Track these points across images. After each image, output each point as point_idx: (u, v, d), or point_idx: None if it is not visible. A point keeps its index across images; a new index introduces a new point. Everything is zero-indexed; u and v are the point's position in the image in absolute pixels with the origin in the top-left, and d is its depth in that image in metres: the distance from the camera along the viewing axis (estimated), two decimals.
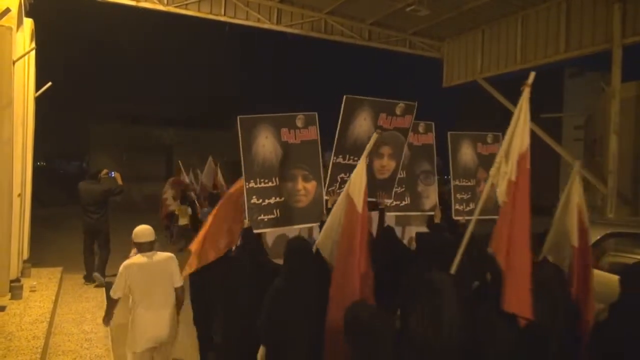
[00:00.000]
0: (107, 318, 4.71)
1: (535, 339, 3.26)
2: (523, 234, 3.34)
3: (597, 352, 3.15)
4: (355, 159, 4.64)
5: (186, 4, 9.77)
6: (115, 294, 4.40)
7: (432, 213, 5.64)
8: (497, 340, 3.23)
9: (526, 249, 3.32)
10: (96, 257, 8.42)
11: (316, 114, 4.84)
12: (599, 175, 9.29)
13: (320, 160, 4.87)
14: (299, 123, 4.77)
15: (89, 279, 8.37)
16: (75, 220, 8.99)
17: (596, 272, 5.61)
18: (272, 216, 4.67)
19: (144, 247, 4.45)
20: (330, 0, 10.40)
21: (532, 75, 3.72)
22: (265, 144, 4.64)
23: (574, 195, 4.07)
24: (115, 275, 4.54)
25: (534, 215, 3.39)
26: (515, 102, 11.24)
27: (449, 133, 6.00)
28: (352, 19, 11.37)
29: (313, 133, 4.81)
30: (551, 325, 3.37)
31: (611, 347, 2.99)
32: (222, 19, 10.17)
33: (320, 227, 4.40)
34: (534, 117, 12.43)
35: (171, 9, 9.66)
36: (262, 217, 4.62)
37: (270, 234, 5.06)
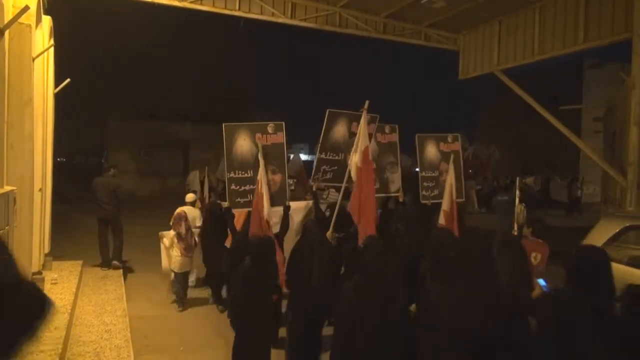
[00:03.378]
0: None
1: None
2: (368, 199, 5.34)
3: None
4: (334, 154, 6.34)
5: (201, 0, 9.82)
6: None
7: (397, 194, 7.05)
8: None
9: (371, 208, 5.39)
10: (111, 246, 9.06)
11: (283, 123, 6.17)
12: (618, 168, 9.13)
13: (285, 158, 6.17)
14: (269, 130, 6.13)
15: (104, 265, 8.93)
16: (95, 215, 9.27)
17: (616, 265, 5.58)
18: (247, 199, 6.00)
19: (187, 204, 7.70)
20: None
21: (367, 102, 5.74)
22: (243, 145, 6.04)
23: (450, 176, 6.44)
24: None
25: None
26: (532, 94, 11.09)
27: (416, 135, 7.38)
28: (366, 12, 11.30)
29: (280, 137, 6.15)
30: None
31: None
32: (237, 13, 10.20)
33: (284, 210, 5.92)
34: (553, 109, 12.24)
35: (186, 4, 9.72)
36: (239, 199, 6.01)
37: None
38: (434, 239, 3.90)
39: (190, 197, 8.00)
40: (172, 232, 7.33)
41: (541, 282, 4.07)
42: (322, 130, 6.27)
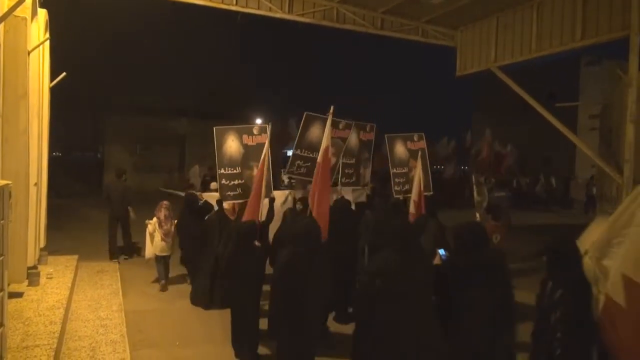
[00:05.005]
0: None
1: None
2: (324, 191, 5.73)
3: None
4: (308, 152, 7.01)
5: None
6: None
7: (365, 187, 8.35)
8: None
9: (324, 201, 5.72)
10: (123, 241, 10.06)
11: (267, 125, 7.11)
12: (614, 165, 9.15)
13: (269, 155, 6.63)
14: (255, 131, 7.07)
15: (113, 257, 9.66)
16: (90, 210, 9.40)
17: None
18: (236, 192, 6.89)
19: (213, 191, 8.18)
20: None
21: (332, 107, 6.21)
22: (232, 145, 6.92)
23: (419, 170, 7.06)
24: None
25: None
26: (528, 90, 11.13)
27: (385, 135, 8.25)
28: (364, 8, 11.27)
29: (264, 138, 6.94)
30: None
31: None
32: (234, 8, 10.14)
33: (270, 201, 6.67)
34: (549, 106, 12.27)
35: None
36: (229, 192, 6.88)
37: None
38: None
39: (214, 185, 8.67)
40: (154, 219, 8.02)
41: (441, 251, 4.83)
42: (299, 130, 7.02)
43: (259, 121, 27.23)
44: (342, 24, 11.21)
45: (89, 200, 19.81)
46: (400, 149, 8.24)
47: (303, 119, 7.05)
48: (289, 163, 7.13)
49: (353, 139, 7.94)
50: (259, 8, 10.34)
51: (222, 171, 6.87)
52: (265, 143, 6.76)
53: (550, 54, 10.17)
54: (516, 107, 21.96)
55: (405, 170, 8.18)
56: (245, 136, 6.99)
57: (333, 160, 7.01)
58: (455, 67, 12.59)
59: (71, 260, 8.49)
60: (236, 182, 6.90)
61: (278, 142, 16.45)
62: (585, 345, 3.30)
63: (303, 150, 7.09)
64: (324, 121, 6.67)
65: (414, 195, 7.00)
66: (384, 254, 3.77)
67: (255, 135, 7.03)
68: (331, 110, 6.25)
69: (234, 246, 5.33)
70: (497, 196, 11.01)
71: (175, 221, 8.08)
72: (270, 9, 10.41)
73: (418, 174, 7.11)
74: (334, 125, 7.04)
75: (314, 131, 7.07)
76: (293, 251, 4.34)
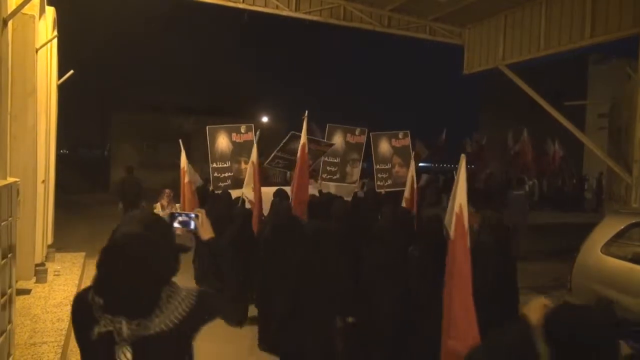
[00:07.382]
0: None
1: None
2: (302, 182, 6.55)
3: None
4: (288, 154, 7.68)
5: None
6: None
7: (354, 185, 9.09)
8: None
9: (303, 192, 6.51)
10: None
11: (252, 125, 8.35)
12: (623, 164, 9.07)
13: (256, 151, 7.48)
14: (242, 130, 8.20)
15: None
16: (97, 207, 9.51)
17: (620, 262, 5.56)
18: (227, 183, 7.98)
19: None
20: None
21: (306, 112, 6.89)
22: (222, 142, 8.07)
23: (412, 168, 7.33)
24: None
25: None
26: (535, 89, 11.04)
27: (370, 134, 8.89)
28: (371, 5, 11.22)
29: (250, 136, 8.08)
30: None
31: None
32: (241, 6, 10.12)
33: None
34: (557, 104, 12.15)
35: None
36: (220, 184, 7.97)
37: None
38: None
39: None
40: (159, 204, 9.06)
41: None
42: (287, 138, 7.69)
43: (265, 119, 27.25)
44: (349, 22, 11.16)
45: (96, 197, 19.93)
46: (384, 147, 8.79)
47: (288, 136, 7.76)
48: (270, 158, 7.97)
49: (338, 142, 8.83)
50: (265, 6, 10.31)
51: (214, 165, 7.98)
52: (251, 140, 7.76)
53: (559, 52, 10.09)
54: (520, 107, 21.80)
55: (388, 166, 8.72)
56: (234, 134, 8.11)
57: (310, 162, 7.75)
58: (462, 65, 12.53)
59: (78, 257, 8.53)
60: (226, 174, 8.03)
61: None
62: (435, 288, 4.20)
63: (284, 153, 7.83)
64: (308, 141, 7.36)
65: (406, 192, 7.24)
66: (317, 222, 4.91)
67: (243, 133, 8.13)
68: (305, 114, 6.84)
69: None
70: (516, 194, 11.00)
71: (177, 205, 9.03)
72: (277, 7, 10.38)
73: (411, 172, 7.33)
74: (316, 142, 8.13)
75: (295, 143, 7.64)
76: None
